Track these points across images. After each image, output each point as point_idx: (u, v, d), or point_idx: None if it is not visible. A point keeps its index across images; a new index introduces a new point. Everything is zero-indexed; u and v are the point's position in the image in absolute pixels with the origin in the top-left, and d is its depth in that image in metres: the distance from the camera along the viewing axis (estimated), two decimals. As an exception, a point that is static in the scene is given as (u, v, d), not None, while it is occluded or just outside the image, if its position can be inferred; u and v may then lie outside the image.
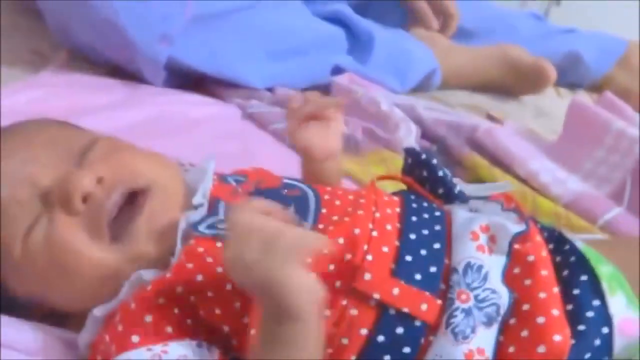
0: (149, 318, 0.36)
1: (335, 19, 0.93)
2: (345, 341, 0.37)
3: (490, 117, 0.90)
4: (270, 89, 0.82)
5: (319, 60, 0.86)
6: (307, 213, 0.42)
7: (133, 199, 0.41)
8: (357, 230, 0.40)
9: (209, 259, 0.38)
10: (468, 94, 1.00)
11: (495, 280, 0.38)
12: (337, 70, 0.86)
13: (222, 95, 0.81)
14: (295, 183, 0.46)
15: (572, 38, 1.06)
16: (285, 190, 0.45)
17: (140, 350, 0.35)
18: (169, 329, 0.36)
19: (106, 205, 0.39)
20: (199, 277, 0.37)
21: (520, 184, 0.64)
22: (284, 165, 0.55)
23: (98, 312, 0.39)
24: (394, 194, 0.47)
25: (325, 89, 0.83)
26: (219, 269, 0.37)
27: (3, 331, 0.39)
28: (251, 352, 0.35)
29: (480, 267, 0.38)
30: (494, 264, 0.38)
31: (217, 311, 0.37)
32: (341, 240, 0.39)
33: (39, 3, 0.82)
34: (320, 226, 0.41)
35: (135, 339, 0.36)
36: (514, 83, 0.99)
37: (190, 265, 0.38)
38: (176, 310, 0.37)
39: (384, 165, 0.66)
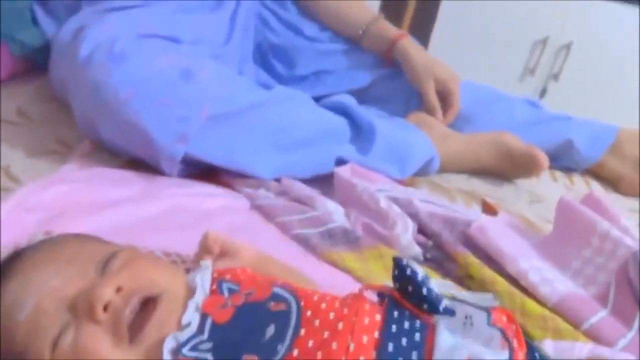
0: None
1: (339, 109, 0.98)
2: None
3: (486, 205, 0.94)
4: (277, 179, 0.87)
5: (324, 150, 0.90)
6: (285, 334, 0.43)
7: (146, 304, 0.45)
8: (334, 345, 0.42)
9: None
10: (465, 178, 1.04)
11: None
12: (341, 161, 0.91)
13: (232, 184, 0.85)
14: (284, 294, 0.48)
15: (565, 126, 1.10)
16: (272, 303, 0.46)
17: None
18: None
19: (124, 313, 0.44)
20: None
21: (509, 284, 0.66)
22: (287, 258, 0.61)
23: None
24: (382, 294, 0.48)
25: (328, 180, 0.88)
26: None
27: None
28: None
29: None
30: None
31: None
32: (320, 355, 0.41)
33: (70, 98, 0.88)
34: (294, 352, 0.42)
35: None
36: (508, 168, 1.04)
37: None
38: None
39: (382, 262, 0.69)
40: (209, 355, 0.43)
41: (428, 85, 1.06)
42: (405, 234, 0.72)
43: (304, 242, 0.73)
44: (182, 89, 0.79)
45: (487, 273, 0.67)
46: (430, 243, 0.74)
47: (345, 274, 0.68)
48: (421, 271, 0.48)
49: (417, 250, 0.72)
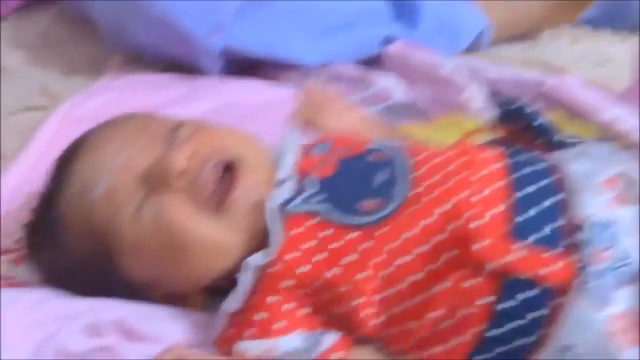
0: (260, 315, 0.36)
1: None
2: (464, 313, 0.35)
3: (551, 70, 0.85)
4: (323, 66, 0.80)
5: (368, 32, 0.83)
6: (396, 179, 0.40)
7: (226, 175, 0.40)
8: (456, 198, 0.37)
9: (309, 244, 0.37)
10: (521, 49, 0.95)
11: (628, 237, 0.34)
12: (388, 41, 0.83)
13: (278, 78, 0.79)
14: (381, 146, 0.44)
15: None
16: (372, 155, 0.42)
17: (255, 342, 0.35)
18: (281, 324, 0.36)
19: (202, 177, 0.39)
20: (305, 269, 0.37)
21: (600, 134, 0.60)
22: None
23: (226, 306, 0.38)
24: (489, 148, 0.44)
25: (377, 61, 0.80)
26: (321, 255, 0.36)
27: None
28: None
29: (609, 223, 0.35)
30: (625, 219, 0.35)
31: (326, 298, 0.37)
32: (439, 211, 0.37)
33: (91, 10, 0.81)
34: (414, 192, 0.38)
35: (248, 332, 0.35)
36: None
37: (290, 256, 0.37)
38: (289, 303, 0.36)
39: (455, 130, 0.63)
40: (321, 207, 0.39)
41: None
42: (476, 98, 0.66)
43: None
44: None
45: (575, 126, 0.60)
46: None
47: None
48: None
49: (491, 115, 0.65)
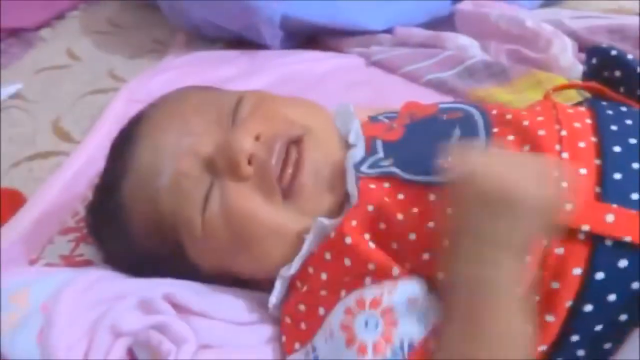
0: (347, 261, 0.32)
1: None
2: (555, 285, 0.30)
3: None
4: (388, 31, 0.74)
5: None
6: (477, 131, 0.35)
7: (292, 150, 0.37)
8: (545, 154, 0.32)
9: (387, 199, 0.33)
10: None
11: None
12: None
13: (340, 47, 0.74)
14: (455, 105, 0.39)
15: None
16: (445, 115, 0.38)
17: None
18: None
19: (271, 163, 0.36)
20: (381, 226, 0.33)
21: None
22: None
23: (285, 272, 0.35)
24: (578, 104, 0.38)
25: (447, 21, 0.73)
26: (399, 215, 0.33)
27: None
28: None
29: None
30: None
31: (406, 265, 0.32)
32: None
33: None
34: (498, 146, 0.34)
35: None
36: None
37: (370, 208, 0.34)
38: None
39: (541, 89, 0.55)
40: (395, 169, 0.34)
41: None
42: (565, 52, 0.57)
43: (439, 87, 0.61)
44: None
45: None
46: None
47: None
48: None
49: (582, 69, 0.57)
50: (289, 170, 0.36)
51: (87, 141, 0.60)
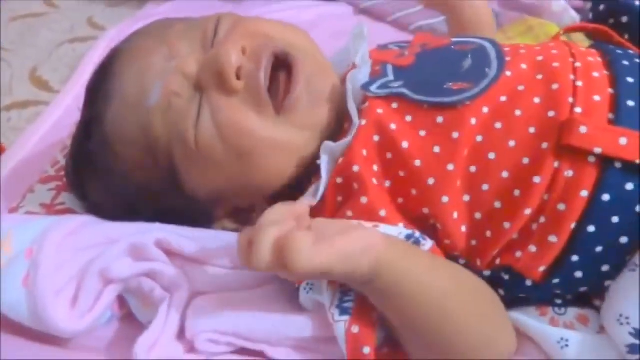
0: (364, 199, 0.32)
1: None
2: (562, 207, 0.30)
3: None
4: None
5: None
6: (488, 63, 0.34)
7: (277, 68, 0.35)
8: (555, 86, 0.32)
9: (393, 126, 0.33)
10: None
11: None
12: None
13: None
14: (468, 39, 0.38)
15: None
16: (457, 45, 0.37)
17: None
18: (383, 212, 0.32)
19: (260, 75, 0.34)
20: (388, 155, 0.33)
21: None
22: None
23: (313, 201, 0.33)
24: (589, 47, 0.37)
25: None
26: (404, 143, 0.32)
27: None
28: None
29: None
30: None
31: (413, 192, 0.32)
32: (537, 100, 0.32)
33: None
34: (508, 73, 0.33)
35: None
36: None
37: (376, 138, 0.33)
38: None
39: (532, 35, 0.54)
40: (405, 89, 0.34)
41: None
42: (558, -1, 0.55)
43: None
44: None
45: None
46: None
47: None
48: None
49: (574, 15, 0.55)
50: (282, 85, 0.35)
51: (66, 90, 0.57)
